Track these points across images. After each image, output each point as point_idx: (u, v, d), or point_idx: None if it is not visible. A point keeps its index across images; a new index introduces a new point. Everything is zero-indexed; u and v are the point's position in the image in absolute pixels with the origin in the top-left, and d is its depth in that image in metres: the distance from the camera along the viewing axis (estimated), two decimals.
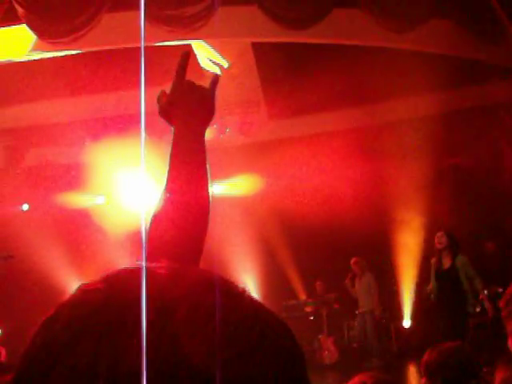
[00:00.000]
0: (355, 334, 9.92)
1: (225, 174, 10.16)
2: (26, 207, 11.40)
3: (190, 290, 0.57)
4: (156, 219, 1.22)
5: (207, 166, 1.29)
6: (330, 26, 6.99)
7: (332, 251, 9.68)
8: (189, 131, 1.34)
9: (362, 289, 9.34)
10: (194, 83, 1.39)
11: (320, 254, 9.78)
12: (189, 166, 1.28)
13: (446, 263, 7.25)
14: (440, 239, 7.25)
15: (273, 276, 10.46)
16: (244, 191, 10.81)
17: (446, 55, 7.82)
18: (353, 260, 9.35)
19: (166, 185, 1.26)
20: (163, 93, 1.39)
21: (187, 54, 1.42)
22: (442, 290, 7.21)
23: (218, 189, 10.90)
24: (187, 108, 1.36)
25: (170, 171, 1.28)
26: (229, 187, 10.66)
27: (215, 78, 1.42)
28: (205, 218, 1.27)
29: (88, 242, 10.38)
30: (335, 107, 9.88)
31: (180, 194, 1.25)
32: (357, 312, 9.57)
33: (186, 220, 1.24)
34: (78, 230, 10.58)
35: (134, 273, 0.58)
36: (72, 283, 10.55)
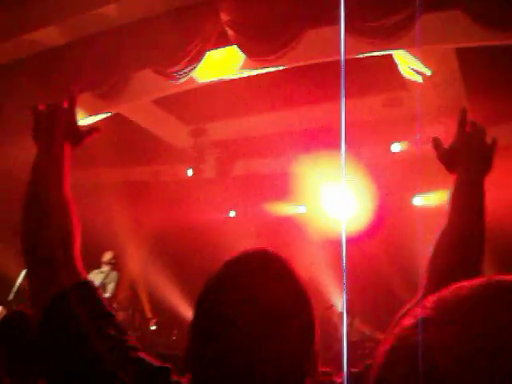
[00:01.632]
0: None
1: (428, 185, 9.86)
2: (233, 214, 12.19)
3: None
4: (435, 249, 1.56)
5: (483, 210, 1.58)
6: None
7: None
8: (469, 178, 1.61)
9: None
10: (479, 142, 1.68)
11: None
12: (466, 210, 1.58)
13: None
14: None
15: None
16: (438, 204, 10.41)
17: None
18: None
19: (446, 222, 1.59)
20: (439, 140, 1.76)
21: (465, 112, 1.74)
22: None
23: (418, 200, 10.64)
24: (470, 157, 1.64)
25: (450, 211, 1.59)
26: (430, 199, 10.34)
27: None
28: (480, 250, 1.57)
29: (290, 248, 10.74)
30: None
31: (459, 233, 1.55)
32: None
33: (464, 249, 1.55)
34: (280, 237, 11.02)
35: None
36: None
